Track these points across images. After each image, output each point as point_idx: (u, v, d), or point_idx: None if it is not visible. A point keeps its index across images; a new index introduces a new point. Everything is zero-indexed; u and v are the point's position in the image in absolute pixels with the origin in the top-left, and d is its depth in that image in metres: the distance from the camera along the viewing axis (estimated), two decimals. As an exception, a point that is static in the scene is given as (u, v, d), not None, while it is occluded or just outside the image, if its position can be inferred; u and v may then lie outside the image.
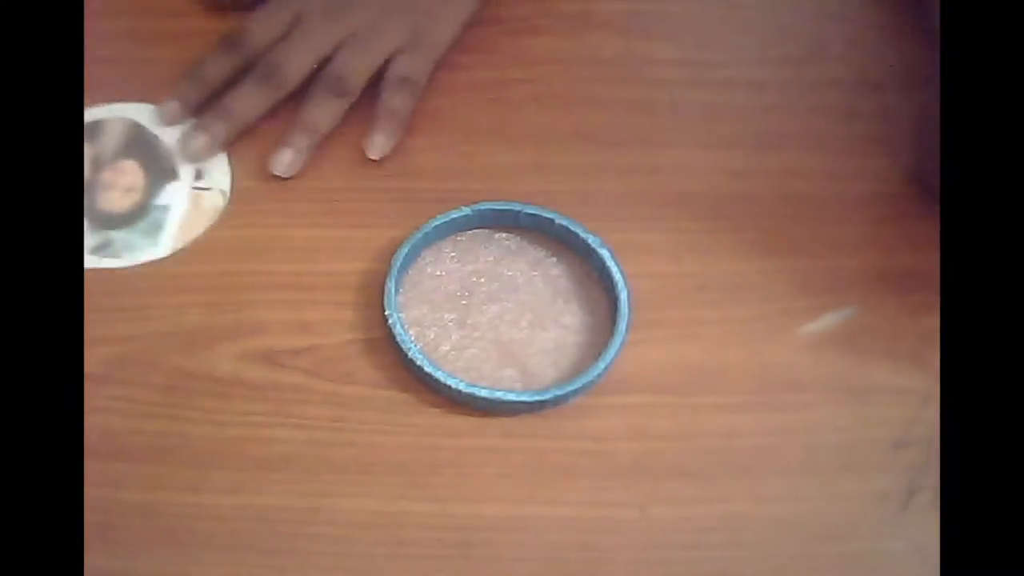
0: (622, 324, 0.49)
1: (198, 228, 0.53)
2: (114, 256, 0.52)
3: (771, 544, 0.46)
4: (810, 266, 0.53)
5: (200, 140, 0.55)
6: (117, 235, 0.53)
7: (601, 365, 0.48)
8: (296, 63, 0.55)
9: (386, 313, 0.49)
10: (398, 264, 0.50)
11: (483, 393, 0.47)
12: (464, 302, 0.51)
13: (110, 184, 0.54)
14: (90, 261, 0.52)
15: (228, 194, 0.54)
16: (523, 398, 0.47)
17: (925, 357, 0.50)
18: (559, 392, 0.47)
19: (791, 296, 0.52)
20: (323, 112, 0.55)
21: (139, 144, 0.55)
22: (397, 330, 0.48)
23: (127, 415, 0.47)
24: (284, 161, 0.54)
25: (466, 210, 0.52)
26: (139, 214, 0.53)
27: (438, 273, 0.52)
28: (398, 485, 0.46)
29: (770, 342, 0.51)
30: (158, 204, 0.54)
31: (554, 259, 0.52)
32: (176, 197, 0.54)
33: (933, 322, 0.51)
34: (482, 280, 0.52)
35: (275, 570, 0.44)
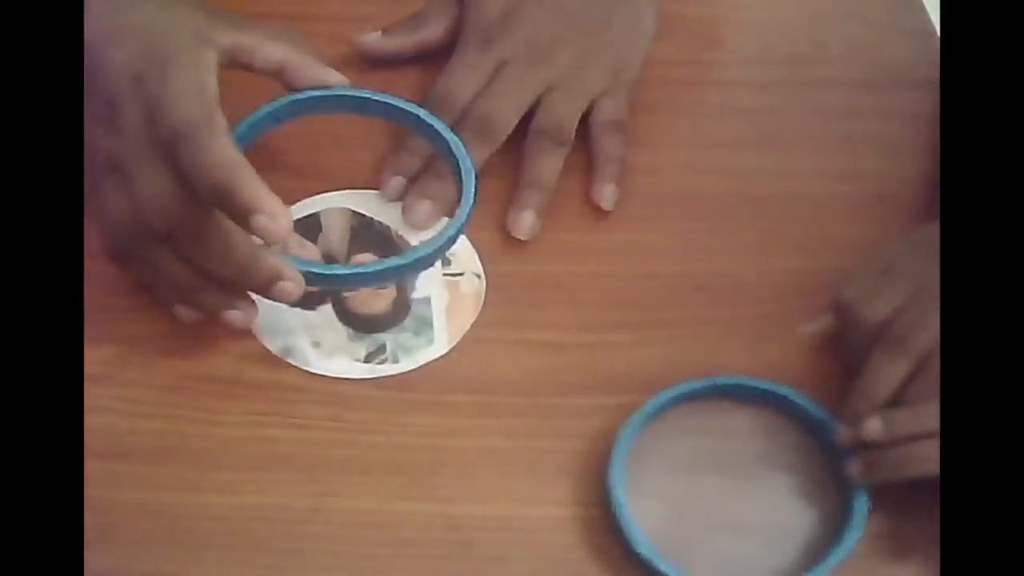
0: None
1: (467, 316, 0.50)
2: (393, 362, 0.49)
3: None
4: (810, 266, 0.53)
5: (424, 206, 0.51)
6: (387, 338, 0.49)
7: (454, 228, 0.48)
8: (507, 113, 0.53)
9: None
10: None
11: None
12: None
13: None
14: (366, 371, 0.48)
15: (483, 275, 0.51)
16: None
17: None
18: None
19: (791, 296, 0.52)
20: (550, 165, 0.53)
21: (367, 235, 0.52)
22: None
23: (127, 415, 0.47)
24: (526, 224, 0.51)
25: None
26: (402, 313, 0.50)
27: None
28: (398, 485, 0.46)
29: (770, 342, 0.51)
30: (418, 298, 0.50)
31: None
32: (433, 287, 0.51)
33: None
34: None
35: (275, 570, 0.44)
